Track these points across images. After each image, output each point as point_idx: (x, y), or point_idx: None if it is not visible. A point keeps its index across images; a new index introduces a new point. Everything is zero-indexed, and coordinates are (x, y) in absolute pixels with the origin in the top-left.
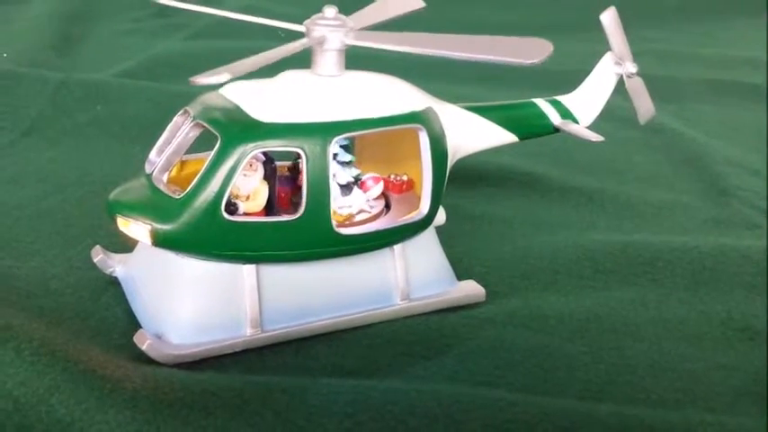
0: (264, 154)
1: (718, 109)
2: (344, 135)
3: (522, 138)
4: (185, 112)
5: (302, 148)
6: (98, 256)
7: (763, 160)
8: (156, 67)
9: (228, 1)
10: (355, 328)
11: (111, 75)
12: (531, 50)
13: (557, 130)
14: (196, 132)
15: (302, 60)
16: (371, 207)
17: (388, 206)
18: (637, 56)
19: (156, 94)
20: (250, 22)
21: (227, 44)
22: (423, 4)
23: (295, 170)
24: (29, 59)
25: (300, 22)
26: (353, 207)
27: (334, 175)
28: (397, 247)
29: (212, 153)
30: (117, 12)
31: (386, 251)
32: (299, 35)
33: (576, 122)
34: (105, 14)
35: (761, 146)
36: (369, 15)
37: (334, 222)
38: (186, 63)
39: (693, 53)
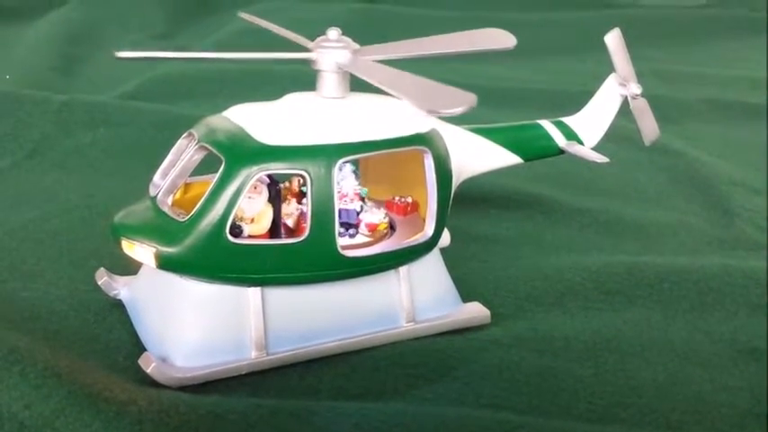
0: (269, 176)
1: (722, 129)
2: (349, 157)
3: (526, 159)
4: (190, 134)
5: (307, 171)
6: (102, 278)
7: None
8: (158, 89)
9: (229, 23)
10: (360, 351)
11: (114, 96)
12: (499, 39)
13: (562, 151)
14: (200, 155)
15: (307, 83)
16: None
17: (392, 228)
18: (639, 76)
19: (157, 115)
20: (252, 43)
21: (229, 66)
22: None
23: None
24: (31, 81)
25: (297, 45)
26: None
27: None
28: (402, 269)
29: (217, 176)
30: (118, 34)
31: (391, 273)
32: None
33: (581, 144)
34: (107, 36)
35: (764, 165)
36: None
37: (339, 245)
38: (187, 85)
39: (695, 73)
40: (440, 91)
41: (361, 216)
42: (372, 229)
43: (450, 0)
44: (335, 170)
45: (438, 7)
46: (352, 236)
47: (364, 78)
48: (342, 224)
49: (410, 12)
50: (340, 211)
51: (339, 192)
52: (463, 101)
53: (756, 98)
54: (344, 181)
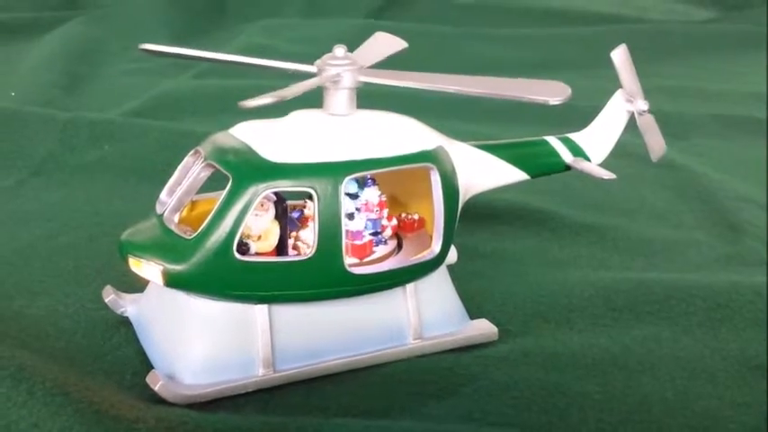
0: (275, 194)
1: (728, 144)
2: (356, 174)
3: (533, 176)
4: (196, 152)
5: (313, 188)
6: (109, 296)
7: None
8: (163, 106)
9: (234, 40)
10: (368, 368)
11: (118, 114)
12: (551, 91)
13: (568, 167)
14: (207, 173)
15: (312, 100)
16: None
17: (399, 245)
18: (645, 92)
19: (162, 133)
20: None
21: (234, 83)
22: (405, 45)
23: None
24: (36, 99)
25: (308, 61)
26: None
27: (359, 208)
28: (409, 287)
29: (223, 193)
30: (123, 51)
31: (398, 290)
32: (310, 75)
33: (588, 160)
34: (111, 54)
35: None
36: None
37: (346, 261)
38: (192, 102)
39: (701, 88)
40: (530, 83)
41: (383, 222)
42: (395, 230)
43: (454, 16)
44: (343, 187)
45: (441, 23)
46: (385, 242)
47: (416, 85)
48: (371, 234)
49: (413, 27)
50: (367, 221)
51: (366, 203)
52: (562, 92)
53: (761, 113)
54: (367, 194)
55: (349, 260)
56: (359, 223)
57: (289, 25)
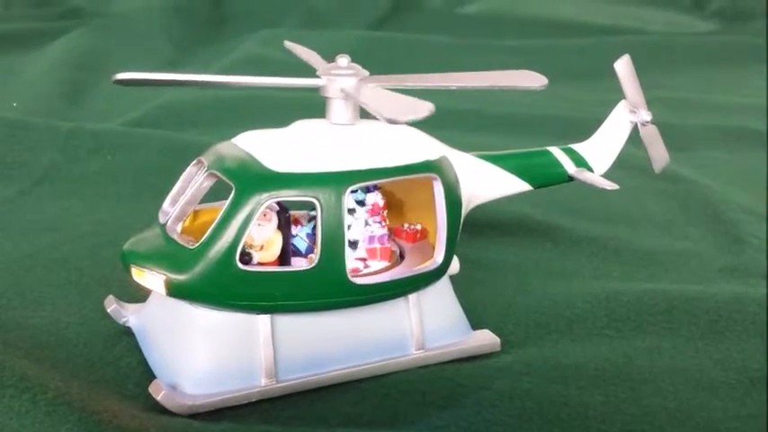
0: (278, 203)
1: (730, 156)
2: (359, 184)
3: (536, 186)
4: (199, 162)
5: (317, 198)
6: (111, 305)
7: None
8: (165, 116)
9: (235, 50)
10: (370, 378)
11: (121, 124)
12: (529, 79)
13: (571, 178)
14: (210, 182)
15: (312, 110)
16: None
17: (402, 255)
18: (647, 103)
19: (165, 142)
20: (258, 71)
21: (235, 93)
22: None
23: None
24: (39, 109)
25: (305, 72)
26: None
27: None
28: (411, 297)
29: (227, 203)
30: (125, 61)
31: (400, 301)
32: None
33: (591, 171)
34: (113, 64)
35: None
36: None
37: (349, 271)
38: (194, 112)
39: (702, 100)
40: (507, 74)
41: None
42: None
43: (456, 27)
44: (346, 197)
45: (443, 34)
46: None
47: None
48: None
49: (414, 38)
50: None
51: (373, 206)
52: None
53: (763, 125)
54: (372, 198)
55: (380, 264)
56: (376, 227)
57: (289, 36)
